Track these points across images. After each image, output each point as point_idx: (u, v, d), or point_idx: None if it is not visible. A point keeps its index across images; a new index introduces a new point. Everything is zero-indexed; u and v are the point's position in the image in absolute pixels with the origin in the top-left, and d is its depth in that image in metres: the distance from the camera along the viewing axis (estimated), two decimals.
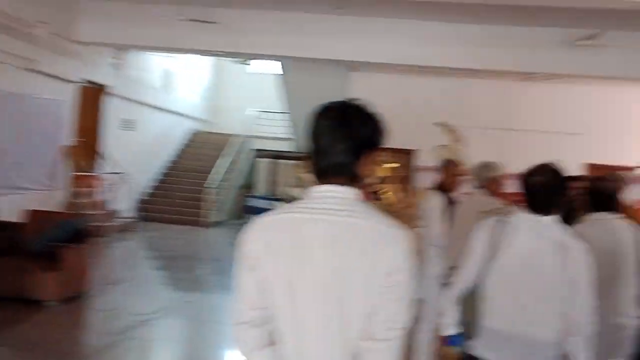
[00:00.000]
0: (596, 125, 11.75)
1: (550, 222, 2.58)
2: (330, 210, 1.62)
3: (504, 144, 11.37)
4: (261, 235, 1.66)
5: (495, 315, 2.58)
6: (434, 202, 4.74)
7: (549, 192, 2.58)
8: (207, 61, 17.46)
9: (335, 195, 1.65)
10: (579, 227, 3.12)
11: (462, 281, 2.72)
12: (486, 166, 4.41)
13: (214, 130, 17.60)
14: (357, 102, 1.71)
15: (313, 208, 1.65)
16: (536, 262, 2.53)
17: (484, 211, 4.18)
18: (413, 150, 11.90)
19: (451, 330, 2.76)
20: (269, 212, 1.72)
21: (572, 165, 11.91)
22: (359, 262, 1.57)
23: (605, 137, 11.72)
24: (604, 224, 3.16)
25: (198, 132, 17.42)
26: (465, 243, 4.12)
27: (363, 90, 12.17)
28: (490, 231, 2.66)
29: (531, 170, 2.67)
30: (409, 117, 11.64)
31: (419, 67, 10.50)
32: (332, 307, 1.58)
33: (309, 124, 1.71)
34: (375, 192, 5.12)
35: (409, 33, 9.43)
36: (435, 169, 5.22)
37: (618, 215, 3.20)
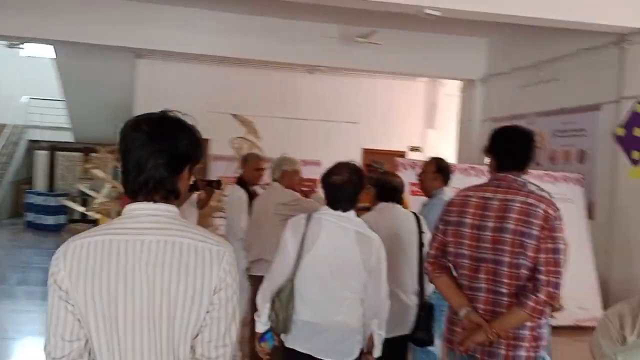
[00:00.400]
0: (372, 114, 12.87)
1: (351, 217, 2.85)
2: (150, 229, 1.55)
3: (292, 133, 11.94)
4: (73, 262, 1.53)
5: (307, 308, 2.77)
6: (237, 195, 4.86)
7: (350, 189, 2.84)
8: None
9: (154, 213, 1.58)
10: (368, 215, 3.51)
11: (275, 278, 2.85)
12: (282, 160, 4.63)
13: None
14: (174, 115, 1.64)
15: (130, 228, 1.55)
16: (341, 255, 2.78)
17: (282, 203, 4.41)
18: (206, 139, 11.91)
19: (264, 327, 2.89)
20: (80, 235, 1.58)
21: (352, 152, 12.91)
22: (184, 283, 1.52)
23: (379, 125, 12.91)
24: (390, 213, 3.58)
25: None
26: (265, 235, 4.34)
27: (151, 78, 11.88)
28: (299, 228, 2.83)
29: (331, 170, 2.91)
30: (200, 106, 11.60)
31: (208, 56, 10.54)
32: (158, 332, 1.53)
33: (121, 137, 1.60)
34: (210, 184, 5.01)
35: (197, 22, 9.39)
36: (237, 162, 5.31)
37: (400, 205, 3.67)
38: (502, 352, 2.59)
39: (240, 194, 4.85)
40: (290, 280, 2.77)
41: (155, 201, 1.59)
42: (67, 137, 14.57)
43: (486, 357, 2.62)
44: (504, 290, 2.59)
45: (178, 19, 9.28)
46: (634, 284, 7.28)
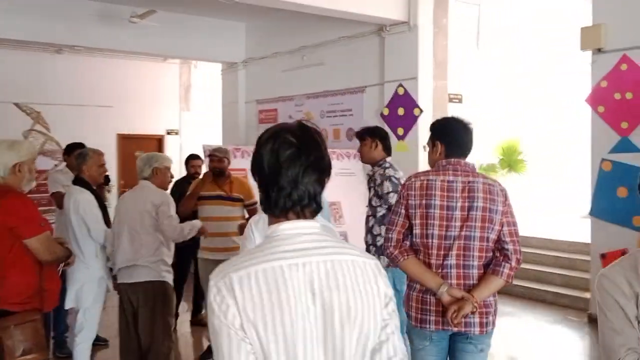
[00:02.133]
0: (125, 98, 11.99)
1: None
2: (312, 249, 1.45)
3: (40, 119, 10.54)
4: (244, 296, 1.38)
5: None
6: (86, 198, 4.20)
7: None
8: None
9: (310, 232, 1.49)
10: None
11: None
12: (152, 156, 4.20)
13: None
14: (310, 125, 1.56)
15: (292, 250, 1.44)
16: None
17: (155, 204, 4.06)
18: None
19: None
20: (236, 263, 1.43)
21: (106, 137, 11.94)
22: (360, 302, 1.46)
23: (134, 108, 12.14)
24: None
25: None
26: (139, 239, 3.95)
27: None
28: (257, 227, 2.72)
29: None
30: None
31: None
32: (336, 356, 1.44)
33: (263, 151, 1.48)
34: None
35: None
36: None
37: None
38: (477, 319, 2.86)
39: (89, 196, 4.21)
40: None
41: (305, 219, 1.50)
42: None
43: (462, 327, 2.85)
44: (475, 263, 2.85)
45: None
46: None
